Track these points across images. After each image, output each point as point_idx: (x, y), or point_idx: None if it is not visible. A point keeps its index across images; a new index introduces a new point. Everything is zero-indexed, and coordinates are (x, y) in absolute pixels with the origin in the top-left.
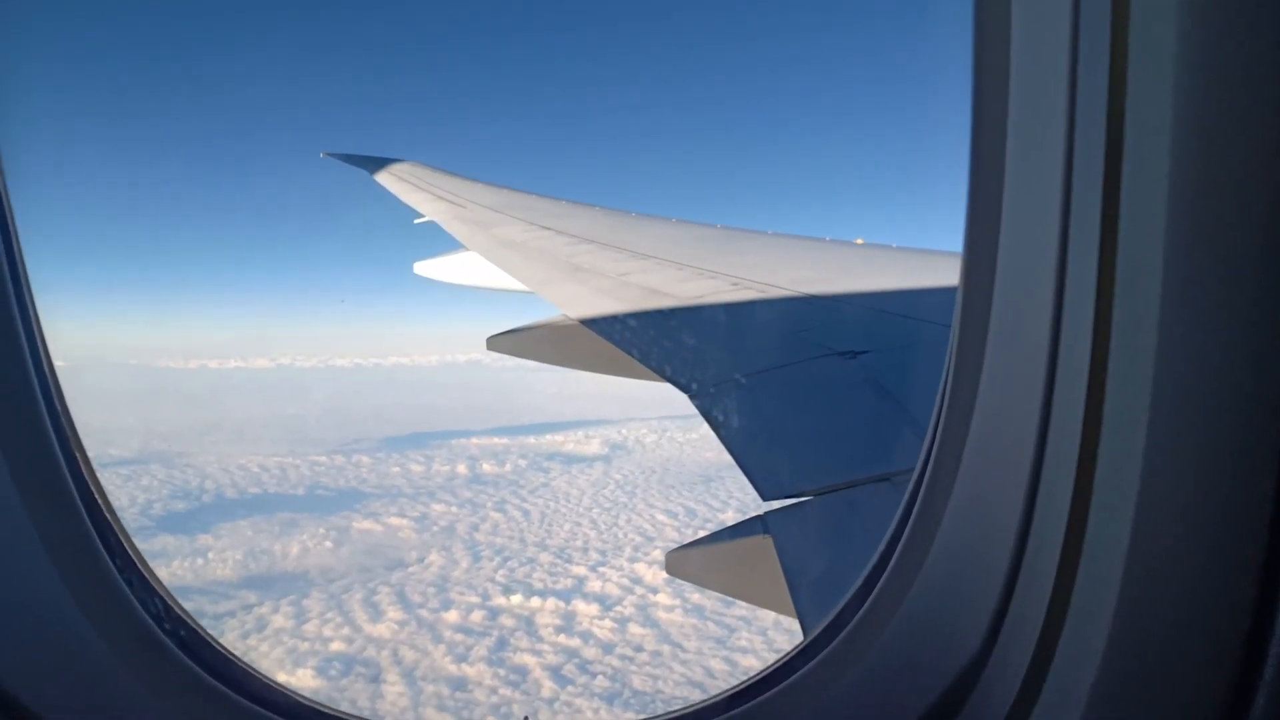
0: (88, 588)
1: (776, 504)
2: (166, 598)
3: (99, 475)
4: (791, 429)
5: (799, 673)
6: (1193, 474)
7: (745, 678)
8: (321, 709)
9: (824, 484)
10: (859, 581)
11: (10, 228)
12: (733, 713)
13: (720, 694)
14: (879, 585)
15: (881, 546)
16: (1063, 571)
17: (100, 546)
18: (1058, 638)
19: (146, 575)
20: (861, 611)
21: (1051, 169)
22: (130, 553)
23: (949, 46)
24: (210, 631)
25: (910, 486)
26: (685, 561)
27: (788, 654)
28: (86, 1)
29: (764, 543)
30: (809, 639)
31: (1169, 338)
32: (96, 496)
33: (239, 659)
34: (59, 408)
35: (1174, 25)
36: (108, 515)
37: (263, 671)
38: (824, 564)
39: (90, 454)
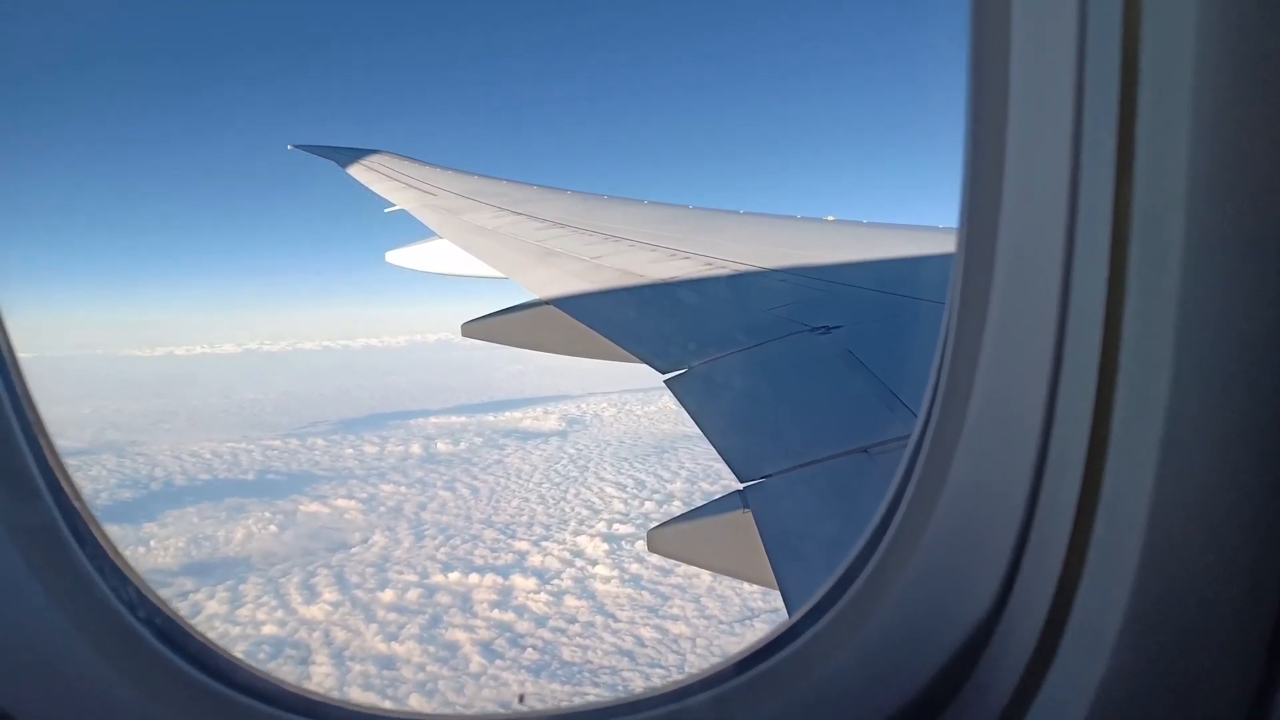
0: (56, 578)
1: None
2: (140, 585)
3: (65, 464)
4: (767, 405)
5: (806, 635)
6: (1212, 465)
7: (753, 642)
8: (311, 696)
9: (802, 459)
10: (863, 540)
11: None
12: (742, 678)
13: (729, 659)
14: (884, 543)
15: (884, 505)
16: (1077, 530)
17: (69, 535)
18: (1076, 587)
19: (118, 563)
20: (868, 569)
21: (1059, 147)
22: (100, 540)
23: (924, 25)
24: (188, 619)
25: (910, 447)
26: (665, 539)
27: (794, 617)
28: None
29: (744, 517)
30: (815, 601)
31: (1188, 322)
32: (63, 484)
33: (218, 646)
34: (21, 395)
35: (1192, 21)
36: (75, 503)
37: (245, 659)
38: (804, 535)
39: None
